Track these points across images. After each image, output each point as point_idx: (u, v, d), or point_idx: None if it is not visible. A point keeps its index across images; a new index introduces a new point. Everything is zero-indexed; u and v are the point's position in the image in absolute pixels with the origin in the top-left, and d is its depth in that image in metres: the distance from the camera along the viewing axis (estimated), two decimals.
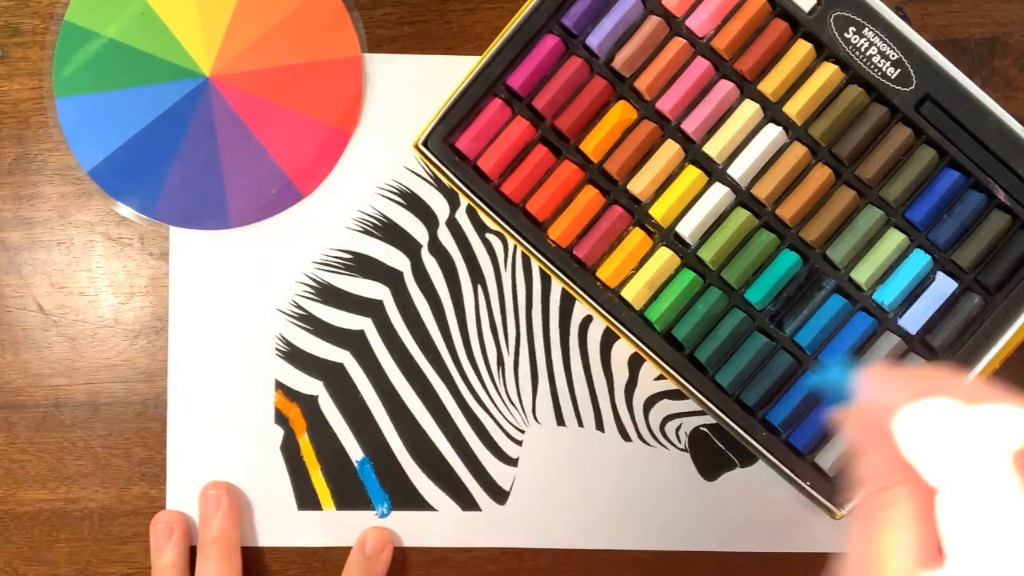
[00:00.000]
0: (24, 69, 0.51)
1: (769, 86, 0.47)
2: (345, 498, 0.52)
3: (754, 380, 0.47)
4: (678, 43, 0.47)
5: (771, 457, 0.47)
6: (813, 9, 0.47)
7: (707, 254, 0.47)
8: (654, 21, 0.47)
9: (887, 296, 0.47)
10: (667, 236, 0.48)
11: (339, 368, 0.52)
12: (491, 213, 0.48)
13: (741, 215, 0.47)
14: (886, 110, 0.47)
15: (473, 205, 0.48)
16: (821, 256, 0.47)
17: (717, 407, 0.47)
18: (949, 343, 0.47)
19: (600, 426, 0.52)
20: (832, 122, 0.47)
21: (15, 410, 0.51)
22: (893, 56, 0.46)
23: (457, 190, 0.48)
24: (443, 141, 0.48)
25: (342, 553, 0.51)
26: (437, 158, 0.47)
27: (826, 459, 0.47)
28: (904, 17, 0.52)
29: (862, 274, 0.47)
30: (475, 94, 0.47)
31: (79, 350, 0.51)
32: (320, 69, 0.51)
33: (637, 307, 0.47)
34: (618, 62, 0.48)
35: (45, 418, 0.51)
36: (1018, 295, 0.46)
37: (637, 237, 0.48)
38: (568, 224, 0.48)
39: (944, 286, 0.47)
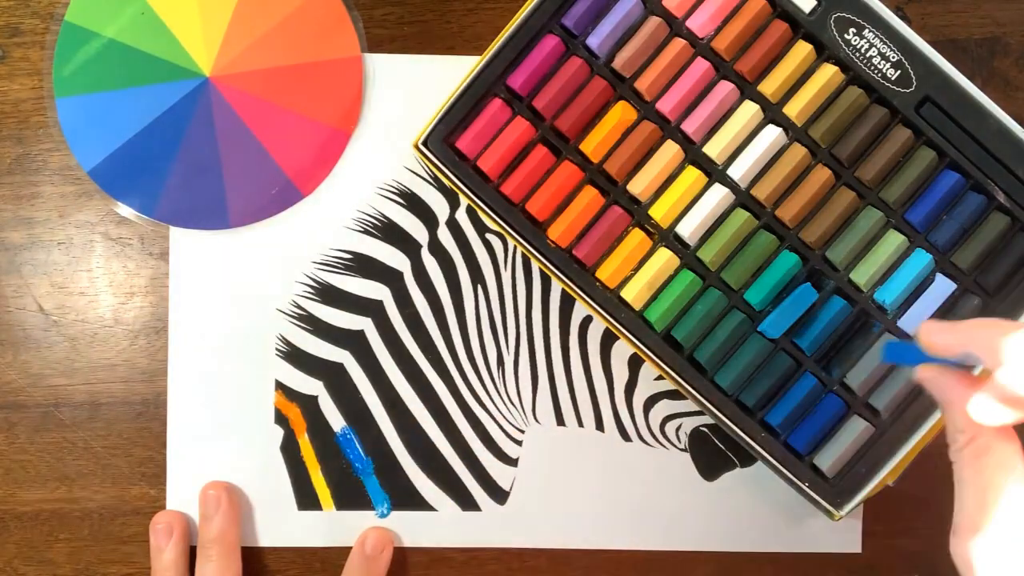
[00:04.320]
0: (24, 69, 0.51)
1: (769, 87, 0.47)
2: (345, 498, 0.52)
3: (753, 381, 0.47)
4: (678, 44, 0.47)
5: (770, 458, 0.47)
6: (813, 10, 0.47)
7: (707, 255, 0.47)
8: (654, 22, 0.47)
9: (887, 297, 0.47)
10: (667, 237, 0.48)
11: (339, 368, 0.52)
12: (491, 213, 0.48)
13: (741, 216, 0.47)
14: (886, 111, 0.47)
15: (473, 205, 0.48)
16: (821, 257, 0.47)
17: (716, 408, 0.47)
18: None
19: (600, 426, 0.52)
20: (832, 123, 0.47)
21: (15, 410, 0.51)
22: (893, 57, 0.46)
23: (457, 190, 0.48)
24: (443, 141, 0.48)
25: (342, 553, 0.51)
26: (437, 158, 0.47)
27: (824, 460, 0.47)
28: (904, 17, 0.52)
29: (861, 275, 0.47)
30: (475, 94, 0.47)
31: (79, 350, 0.51)
32: (320, 69, 0.51)
33: (637, 307, 0.47)
34: (618, 63, 0.48)
35: (45, 418, 0.51)
36: (1017, 296, 0.46)
37: (637, 238, 0.48)
38: (568, 224, 0.48)
39: (943, 287, 0.47)
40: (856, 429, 0.47)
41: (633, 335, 0.47)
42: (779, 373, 0.47)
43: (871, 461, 0.46)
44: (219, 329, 0.51)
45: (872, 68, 0.46)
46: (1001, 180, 0.47)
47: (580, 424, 0.52)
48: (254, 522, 0.52)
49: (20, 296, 0.51)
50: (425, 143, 0.47)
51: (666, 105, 0.47)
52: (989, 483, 0.34)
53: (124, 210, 0.51)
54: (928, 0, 0.52)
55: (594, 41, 0.48)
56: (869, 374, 0.47)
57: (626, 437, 0.52)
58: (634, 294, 0.47)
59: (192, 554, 0.51)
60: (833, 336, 0.47)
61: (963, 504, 0.35)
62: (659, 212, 0.47)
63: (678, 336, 0.47)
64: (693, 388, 0.47)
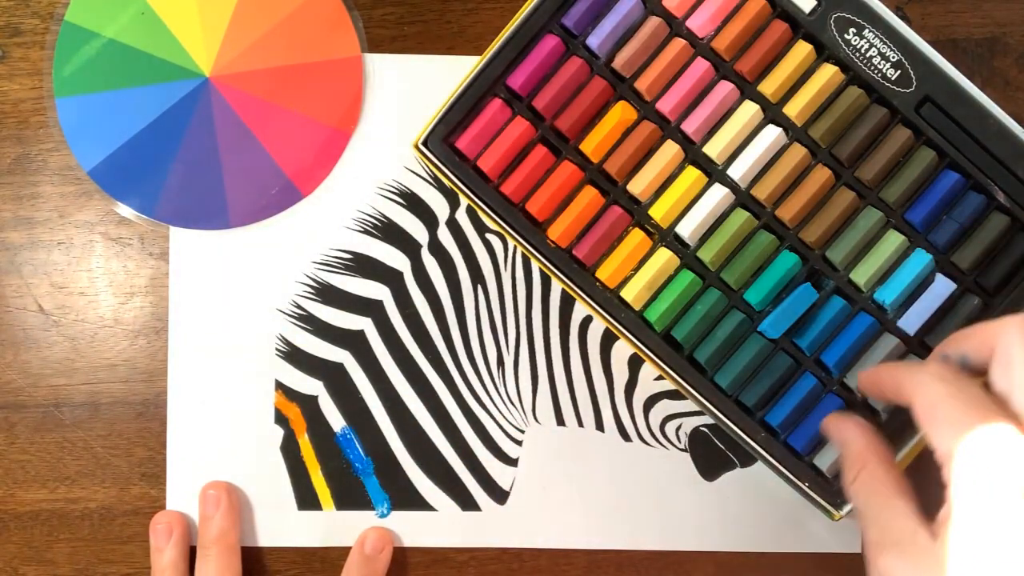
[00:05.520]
0: (24, 69, 0.51)
1: (769, 87, 0.47)
2: (345, 498, 0.52)
3: (753, 381, 0.47)
4: (678, 44, 0.47)
5: (770, 458, 0.47)
6: (813, 10, 0.47)
7: (707, 255, 0.47)
8: (654, 22, 0.47)
9: (887, 297, 0.47)
10: (667, 236, 0.48)
11: (339, 368, 0.52)
12: (491, 213, 0.48)
13: (741, 216, 0.47)
14: (886, 111, 0.47)
15: (473, 205, 0.48)
16: (821, 257, 0.47)
17: (716, 408, 0.47)
18: None
19: (600, 426, 0.52)
20: (832, 123, 0.47)
21: (15, 410, 0.51)
22: (893, 57, 0.46)
23: (457, 190, 0.48)
24: (443, 141, 0.47)
25: (342, 553, 0.51)
26: (437, 158, 0.47)
27: (824, 460, 0.47)
28: (904, 17, 0.52)
29: (861, 275, 0.47)
30: (475, 94, 0.47)
31: (79, 350, 0.51)
32: (320, 69, 0.51)
33: (636, 307, 0.47)
34: (618, 62, 0.48)
35: (45, 418, 0.51)
36: (1017, 297, 0.46)
37: (637, 238, 0.48)
38: (568, 224, 0.48)
39: (943, 287, 0.47)
40: None
41: (633, 335, 0.47)
42: (779, 373, 0.47)
43: None
44: (219, 329, 0.51)
45: (872, 68, 0.46)
46: (1001, 180, 0.46)
47: (580, 424, 0.52)
48: (254, 522, 0.52)
49: (20, 296, 0.51)
50: (425, 143, 0.47)
51: (666, 105, 0.47)
52: (882, 506, 0.38)
53: (124, 210, 0.51)
54: (928, 0, 0.52)
55: (594, 41, 0.48)
56: None
57: (626, 437, 0.52)
58: (634, 294, 0.47)
59: (192, 554, 0.51)
60: (833, 337, 0.47)
61: (866, 530, 0.39)
62: (659, 212, 0.47)
63: (678, 336, 0.47)
64: (693, 388, 0.47)
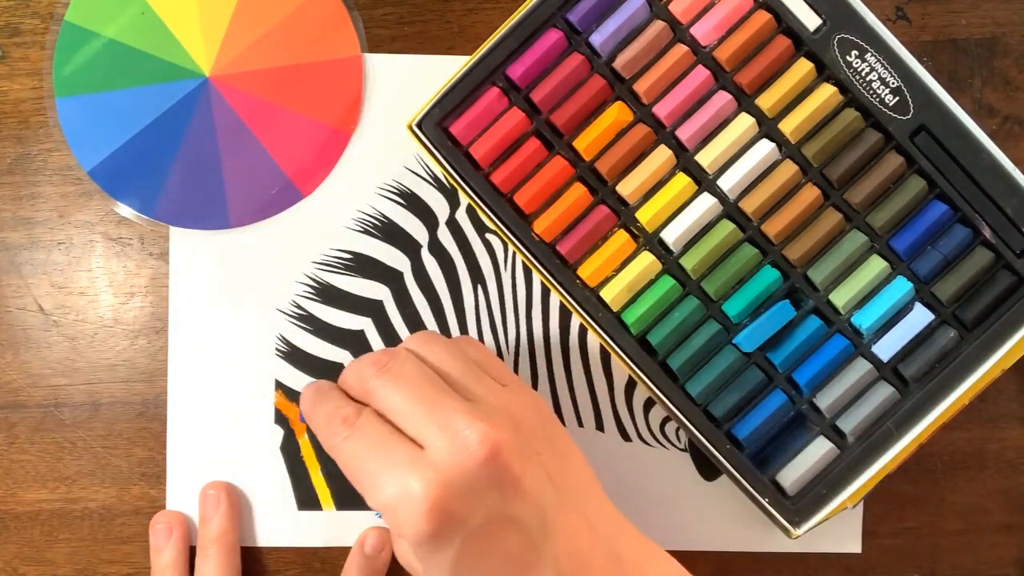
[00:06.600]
0: (24, 69, 0.51)
1: (767, 101, 0.47)
2: (345, 498, 0.52)
3: (723, 392, 0.47)
4: (680, 50, 0.47)
5: (732, 471, 0.46)
6: (818, 29, 0.47)
7: (689, 263, 0.47)
8: (659, 25, 0.47)
9: (864, 321, 0.46)
10: (651, 241, 0.48)
11: (339, 368, 0.52)
12: (478, 201, 0.47)
13: (726, 227, 0.47)
14: (880, 136, 0.47)
15: (460, 190, 0.47)
16: (802, 276, 0.47)
17: (684, 415, 0.47)
18: (921, 374, 0.46)
19: (600, 426, 0.52)
20: (826, 143, 0.47)
21: (15, 410, 0.51)
22: (893, 84, 0.46)
23: (445, 174, 0.47)
24: (437, 125, 0.47)
25: (342, 553, 0.51)
26: (429, 141, 0.47)
27: (787, 477, 0.47)
28: (904, 17, 0.52)
29: (841, 297, 0.47)
30: (474, 81, 0.47)
31: (79, 350, 0.51)
32: (320, 69, 0.51)
33: (614, 308, 0.47)
34: (619, 63, 0.47)
35: (45, 418, 0.51)
36: (994, 333, 0.46)
37: (621, 239, 0.47)
38: (554, 219, 0.47)
39: (921, 317, 0.46)
40: (821, 450, 0.46)
41: (609, 336, 0.47)
42: (749, 387, 0.47)
43: (833, 483, 0.46)
44: (219, 329, 0.51)
45: (871, 92, 0.46)
46: (989, 215, 0.46)
47: (580, 424, 0.52)
48: (254, 522, 0.52)
49: (20, 296, 0.51)
50: (419, 125, 0.47)
51: (663, 110, 0.47)
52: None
53: (124, 210, 0.51)
54: (928, 0, 0.52)
55: (597, 39, 0.47)
56: (839, 396, 0.46)
57: (626, 437, 0.52)
58: (613, 295, 0.47)
59: (192, 554, 0.51)
60: (807, 356, 0.47)
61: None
62: (646, 216, 0.47)
63: (653, 341, 0.47)
64: (663, 394, 0.47)
